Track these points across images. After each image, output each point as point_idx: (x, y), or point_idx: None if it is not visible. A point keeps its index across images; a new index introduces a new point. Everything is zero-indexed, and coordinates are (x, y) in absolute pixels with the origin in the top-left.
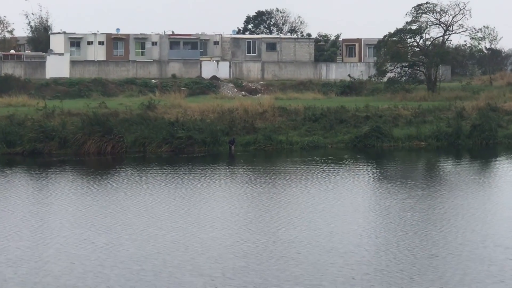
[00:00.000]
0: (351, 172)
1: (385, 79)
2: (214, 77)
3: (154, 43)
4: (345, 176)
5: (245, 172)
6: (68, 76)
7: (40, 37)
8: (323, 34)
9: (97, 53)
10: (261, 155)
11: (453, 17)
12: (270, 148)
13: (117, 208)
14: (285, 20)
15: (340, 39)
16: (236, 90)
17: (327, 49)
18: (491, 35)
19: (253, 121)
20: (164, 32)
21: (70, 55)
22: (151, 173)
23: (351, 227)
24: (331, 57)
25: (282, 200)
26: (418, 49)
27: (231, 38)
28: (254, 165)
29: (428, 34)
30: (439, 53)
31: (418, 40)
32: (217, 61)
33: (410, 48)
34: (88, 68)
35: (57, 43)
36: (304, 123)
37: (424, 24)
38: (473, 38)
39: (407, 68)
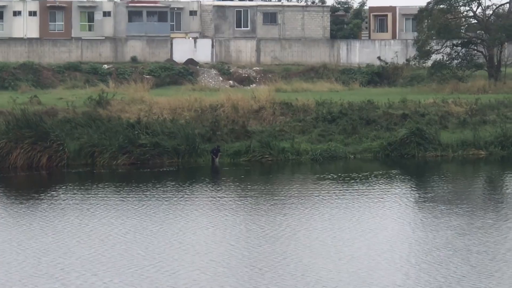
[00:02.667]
0: (385, 195)
1: (429, 63)
2: (191, 61)
3: (106, 14)
4: (376, 202)
5: (234, 196)
6: None
7: None
8: (343, 0)
9: (27, 27)
10: (256, 170)
11: None
12: (269, 159)
13: (43, 250)
14: None
15: (366, 7)
16: (221, 78)
17: (349, 22)
18: None
19: (245, 122)
20: None
21: None
22: (100, 196)
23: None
24: (353, 32)
25: (287, 241)
26: (475, 21)
27: (214, 6)
28: (246, 184)
29: (490, 0)
30: (505, 26)
31: (475, 9)
32: (195, 39)
33: (464, 19)
34: (15, 48)
35: None
36: (316, 124)
37: None
38: None
39: (459, 48)
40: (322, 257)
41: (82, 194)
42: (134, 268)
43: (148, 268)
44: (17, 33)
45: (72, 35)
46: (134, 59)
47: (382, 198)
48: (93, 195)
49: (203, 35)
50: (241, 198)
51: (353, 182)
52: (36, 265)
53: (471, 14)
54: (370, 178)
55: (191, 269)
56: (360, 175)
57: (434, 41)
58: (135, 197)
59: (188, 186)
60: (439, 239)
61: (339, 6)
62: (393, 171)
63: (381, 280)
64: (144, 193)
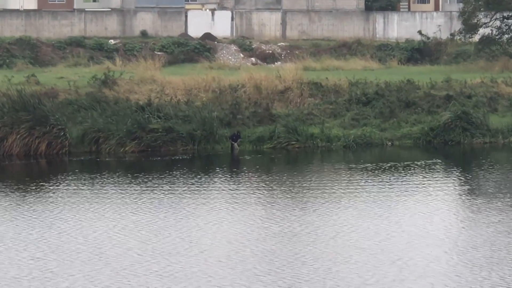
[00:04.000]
0: (426, 188)
1: (476, 38)
2: (208, 35)
3: None
4: (417, 197)
5: (255, 188)
6: None
7: None
8: None
9: None
10: (282, 159)
11: None
12: (296, 146)
13: (47, 248)
14: None
15: None
16: (242, 55)
17: None
18: None
19: (269, 104)
20: None
21: None
22: (106, 187)
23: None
24: (391, 3)
25: (315, 241)
26: None
27: None
28: (270, 175)
29: None
30: None
31: None
32: (212, 10)
33: None
34: (10, 21)
35: None
36: (349, 107)
37: None
38: None
39: (511, 21)
40: (356, 261)
41: (85, 185)
42: (140, 269)
43: (156, 269)
44: (12, 4)
45: (75, 7)
46: (144, 34)
47: (423, 191)
48: (98, 186)
49: (221, 7)
50: (263, 191)
51: (390, 172)
52: (30, 270)
53: None
54: (409, 168)
55: (198, 270)
56: (399, 165)
57: (482, 13)
58: (145, 189)
59: (204, 177)
60: (491, 237)
61: None
62: (435, 160)
63: None
64: (155, 184)
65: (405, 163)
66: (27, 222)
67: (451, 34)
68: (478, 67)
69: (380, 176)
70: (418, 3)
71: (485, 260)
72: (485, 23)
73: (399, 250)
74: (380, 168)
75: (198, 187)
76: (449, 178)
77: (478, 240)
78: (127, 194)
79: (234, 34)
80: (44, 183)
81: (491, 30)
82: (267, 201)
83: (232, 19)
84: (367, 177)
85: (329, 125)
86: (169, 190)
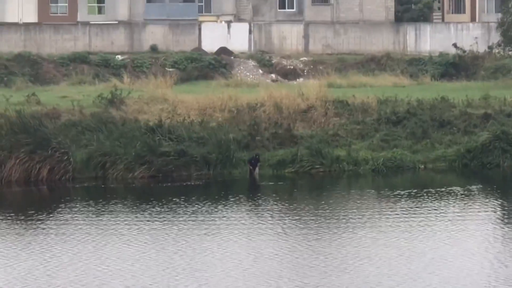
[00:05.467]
0: (463, 217)
1: None
2: (223, 50)
3: None
4: (453, 227)
5: (277, 217)
6: None
7: None
8: None
9: (23, 10)
10: (305, 184)
11: None
12: (320, 170)
13: None
14: None
15: None
16: (261, 71)
17: (418, 1)
18: None
19: (291, 124)
20: None
21: None
22: (113, 216)
23: None
24: (424, 14)
25: (342, 275)
26: None
27: None
28: (292, 203)
29: None
30: None
31: None
32: (229, 23)
33: None
34: (8, 35)
35: None
36: (378, 127)
37: None
38: None
39: None
40: None
41: (90, 213)
42: None
43: None
44: (11, 17)
45: (78, 19)
46: (154, 48)
47: (460, 221)
48: (104, 215)
49: (238, 18)
50: (285, 221)
51: (423, 199)
52: None
53: None
54: (444, 195)
55: None
56: (432, 191)
57: None
58: (156, 218)
59: (221, 205)
60: None
61: None
62: (473, 185)
63: None
64: (166, 213)
65: (440, 189)
66: (21, 255)
67: (489, 47)
68: None
69: (412, 204)
70: (453, 13)
71: None
72: None
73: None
74: (412, 195)
75: (213, 216)
76: (488, 206)
77: None
78: (136, 224)
79: (252, 48)
80: (45, 212)
81: None
82: (289, 232)
83: (250, 32)
84: (398, 205)
85: (357, 147)
86: (182, 220)
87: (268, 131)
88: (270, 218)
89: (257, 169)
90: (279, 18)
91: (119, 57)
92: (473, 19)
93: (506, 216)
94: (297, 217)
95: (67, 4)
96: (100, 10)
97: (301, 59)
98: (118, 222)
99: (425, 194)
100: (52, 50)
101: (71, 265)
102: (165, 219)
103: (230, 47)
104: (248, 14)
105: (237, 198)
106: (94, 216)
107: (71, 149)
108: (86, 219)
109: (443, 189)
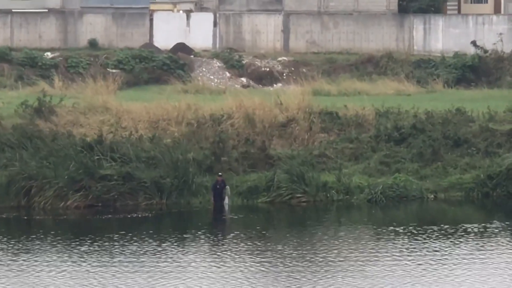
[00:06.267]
0: (484, 265)
1: None
2: (182, 47)
3: None
4: (470, 278)
5: (247, 262)
6: None
7: None
8: None
9: None
10: (284, 217)
11: None
12: (303, 200)
13: None
14: None
15: None
16: (228, 74)
17: None
18: None
19: (266, 142)
20: None
21: None
22: (38, 257)
23: None
24: (435, 4)
25: None
26: None
27: None
28: (268, 243)
29: None
30: None
31: None
32: (188, 12)
33: None
34: None
35: None
36: (376, 146)
37: None
38: None
39: None
40: None
41: (7, 253)
42: None
43: None
44: None
45: (0, 7)
46: (93, 44)
47: (478, 270)
48: (23, 256)
49: (200, 7)
50: (255, 265)
51: (433, 239)
52: None
53: None
54: (460, 233)
55: None
56: (445, 228)
57: None
58: (89, 260)
59: (173, 243)
60: None
61: None
62: (495, 221)
63: None
64: (104, 253)
65: (453, 225)
66: None
67: None
68: None
69: (418, 245)
70: (472, 2)
71: None
72: None
73: None
74: (419, 233)
75: (161, 258)
76: None
77: None
78: (62, 267)
79: (217, 45)
80: None
81: None
82: (262, 280)
83: (215, 24)
84: (401, 246)
85: (349, 171)
86: (120, 262)
87: (237, 149)
88: (235, 262)
89: (226, 197)
90: (252, 7)
91: (48, 54)
92: (497, 10)
93: None
94: (270, 261)
95: None
96: None
97: (280, 59)
98: (40, 265)
99: (435, 233)
100: None
101: None
102: (100, 261)
103: (189, 43)
104: (212, 1)
105: (195, 235)
106: (11, 256)
107: None
108: (1, 260)
109: (457, 226)
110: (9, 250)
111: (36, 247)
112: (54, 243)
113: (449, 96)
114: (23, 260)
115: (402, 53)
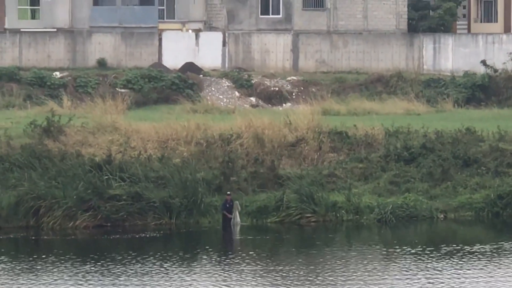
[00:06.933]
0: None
1: None
2: (191, 66)
3: None
4: None
5: (257, 283)
6: None
7: None
8: None
9: None
10: (293, 238)
11: None
12: (312, 220)
13: None
14: None
15: None
16: (237, 94)
17: (436, 6)
18: None
19: (275, 161)
20: None
21: None
22: (47, 278)
23: None
24: (444, 22)
25: None
26: None
27: None
28: (277, 263)
29: None
30: None
31: None
32: (197, 32)
33: None
34: None
35: None
36: (386, 166)
37: None
38: None
39: None
40: None
41: (16, 273)
42: None
43: None
44: None
45: (6, 26)
46: (101, 64)
47: None
48: (32, 276)
49: (209, 27)
50: (265, 286)
51: (443, 260)
52: None
53: None
54: (469, 254)
55: None
56: (455, 249)
57: None
58: (98, 280)
59: (182, 263)
60: None
61: None
62: (506, 241)
63: None
64: (113, 273)
65: (464, 245)
66: None
67: None
68: None
69: (428, 265)
70: (482, 21)
71: None
72: None
73: None
74: (429, 254)
75: (170, 278)
76: None
77: None
78: (68, 286)
79: (226, 64)
80: None
81: None
82: None
83: (224, 44)
84: (411, 266)
85: (359, 191)
86: (136, 281)
87: (246, 169)
88: (243, 283)
89: (237, 215)
90: (261, 27)
91: (57, 74)
92: (507, 29)
93: None
94: (279, 283)
95: None
96: (34, 15)
97: (289, 78)
98: (53, 285)
99: (445, 254)
100: None
101: None
102: (109, 281)
103: (198, 63)
104: (221, 21)
105: (204, 255)
106: (18, 277)
107: None
108: (10, 280)
109: (467, 246)
110: (16, 270)
111: (43, 267)
112: (62, 263)
113: (459, 116)
114: (25, 280)
115: (412, 72)
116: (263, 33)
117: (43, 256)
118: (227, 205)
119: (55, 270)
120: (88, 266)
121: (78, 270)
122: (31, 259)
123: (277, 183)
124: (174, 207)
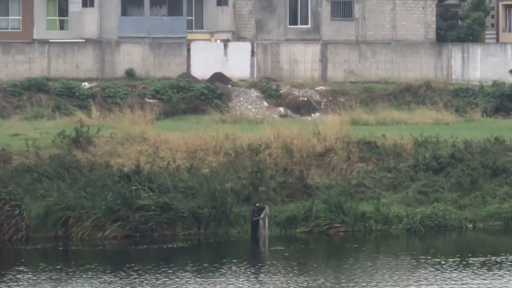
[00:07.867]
0: None
1: None
2: (219, 76)
3: (87, 3)
4: None
5: None
6: None
7: None
8: None
9: None
10: (322, 248)
11: None
12: (341, 230)
13: None
14: None
15: None
16: (266, 104)
17: (465, 16)
18: None
19: (304, 171)
20: None
21: None
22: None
23: None
24: (473, 32)
25: None
26: None
27: None
28: (306, 274)
29: None
30: None
31: None
32: (226, 42)
33: None
34: None
35: None
36: (414, 176)
37: None
38: None
39: None
40: None
41: (45, 283)
42: None
43: None
44: None
45: (35, 36)
46: (130, 74)
47: None
48: (65, 285)
49: (238, 37)
50: None
51: (472, 270)
52: None
53: None
54: (498, 264)
55: None
56: (484, 258)
57: None
58: None
59: (212, 274)
60: None
61: None
62: None
63: None
64: (142, 283)
65: (492, 256)
66: None
67: None
68: None
69: (457, 276)
70: (510, 31)
71: None
72: None
73: None
74: (458, 263)
75: None
76: None
77: None
78: None
79: (255, 74)
80: None
81: None
82: None
83: (253, 54)
84: (441, 276)
85: (387, 201)
86: None
87: (275, 179)
88: None
89: (266, 224)
90: (290, 37)
91: (86, 84)
92: None
93: None
94: None
95: (20, 17)
96: (62, 25)
97: (317, 88)
98: None
99: (474, 264)
100: (1, 75)
101: None
102: None
103: (227, 73)
104: (250, 31)
105: (233, 266)
106: (47, 286)
107: (25, 201)
108: None
109: (497, 257)
110: (46, 281)
111: (72, 278)
112: (92, 274)
113: (487, 125)
114: None
115: (440, 82)
116: (291, 43)
117: (73, 266)
118: (256, 215)
119: (83, 280)
120: (117, 276)
121: (106, 281)
122: (59, 269)
123: (305, 193)
124: (202, 217)
